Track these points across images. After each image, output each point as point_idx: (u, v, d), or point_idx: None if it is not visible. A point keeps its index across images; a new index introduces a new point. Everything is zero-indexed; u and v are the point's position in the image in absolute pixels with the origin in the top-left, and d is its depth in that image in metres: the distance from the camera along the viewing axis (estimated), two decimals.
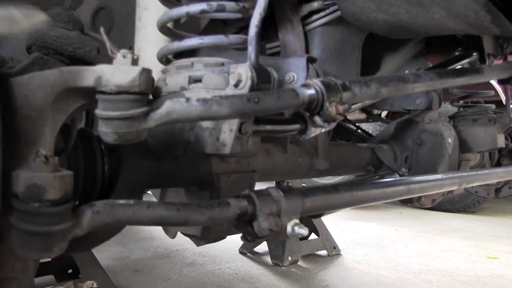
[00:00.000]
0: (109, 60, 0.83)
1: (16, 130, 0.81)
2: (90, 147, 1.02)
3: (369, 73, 1.80)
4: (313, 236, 3.15)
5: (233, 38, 1.09)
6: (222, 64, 1.09)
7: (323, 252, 3.14)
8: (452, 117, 1.80)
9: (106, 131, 0.80)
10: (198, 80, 1.06)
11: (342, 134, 2.10)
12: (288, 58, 1.35)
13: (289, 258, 2.78)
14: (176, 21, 1.33)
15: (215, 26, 1.51)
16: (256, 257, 2.97)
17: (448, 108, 2.16)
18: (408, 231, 4.01)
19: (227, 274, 2.58)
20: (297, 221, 1.00)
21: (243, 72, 1.00)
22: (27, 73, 0.84)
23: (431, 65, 1.82)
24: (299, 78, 1.34)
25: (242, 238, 1.01)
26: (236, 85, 1.01)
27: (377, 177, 1.47)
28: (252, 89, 1.00)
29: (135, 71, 0.79)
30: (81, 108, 0.88)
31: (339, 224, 4.08)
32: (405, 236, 3.81)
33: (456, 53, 1.77)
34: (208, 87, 1.05)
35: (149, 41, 1.26)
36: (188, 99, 0.84)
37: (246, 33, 1.07)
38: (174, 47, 1.10)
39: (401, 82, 1.12)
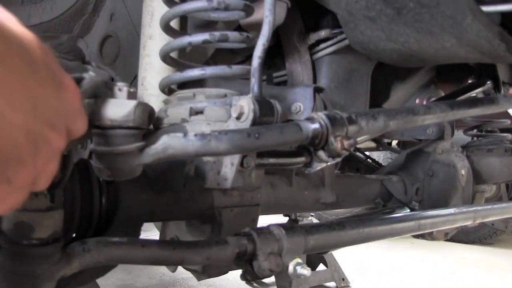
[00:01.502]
0: None
1: None
2: (87, 178, 1.00)
3: (379, 102, 1.77)
4: (321, 267, 3.08)
5: (236, 68, 1.07)
6: (225, 96, 1.06)
7: (332, 284, 3.07)
8: (466, 147, 1.76)
9: (99, 167, 0.78)
10: (199, 112, 1.04)
11: (351, 163, 2.07)
12: (295, 88, 1.33)
13: None
14: (182, 50, 1.31)
15: (222, 54, 1.49)
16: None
17: (461, 136, 2.11)
18: (421, 264, 3.88)
19: None
20: (299, 260, 0.97)
21: (245, 104, 0.98)
22: None
23: (442, 93, 1.78)
24: (306, 108, 1.31)
25: (242, 277, 0.98)
26: (238, 118, 0.99)
27: (386, 211, 1.43)
28: (254, 122, 0.98)
29: (129, 105, 0.77)
30: (77, 142, 0.86)
31: (347, 249, 3.98)
32: (418, 269, 3.70)
33: (469, 81, 1.74)
34: (209, 119, 1.02)
35: (153, 70, 1.24)
36: (185, 134, 0.81)
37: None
38: (176, 78, 1.08)
39: (410, 115, 1.09)
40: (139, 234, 1.04)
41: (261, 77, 1.02)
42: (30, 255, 0.70)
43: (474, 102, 1.22)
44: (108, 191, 1.02)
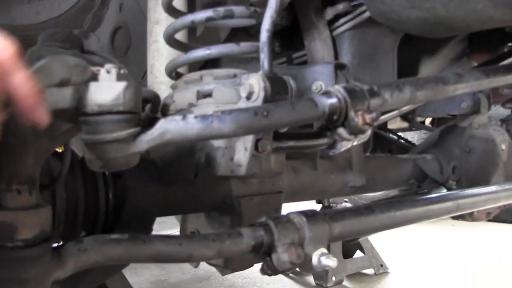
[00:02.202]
0: None
1: None
2: (91, 173, 0.91)
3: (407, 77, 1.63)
4: (358, 253, 2.94)
5: (244, 46, 0.96)
6: (235, 76, 0.96)
7: (370, 271, 2.92)
8: (505, 121, 1.60)
9: (90, 158, 0.69)
10: (208, 95, 0.94)
11: (382, 145, 1.93)
12: (314, 66, 1.21)
13: (333, 278, 2.57)
14: (192, 34, 1.22)
15: (237, 37, 1.39)
16: (298, 277, 2.78)
17: (499, 111, 1.94)
18: (464, 247, 3.65)
19: None
20: (324, 250, 0.85)
21: (255, 82, 0.87)
22: None
23: (475, 65, 1.63)
24: (327, 86, 1.19)
25: (261, 271, 0.87)
26: (248, 98, 0.88)
27: (421, 192, 1.30)
28: (266, 101, 0.87)
29: (118, 87, 0.67)
30: (69, 133, 0.77)
31: (384, 236, 3.80)
32: (461, 253, 3.48)
33: (506, 50, 1.58)
34: (218, 101, 0.92)
35: (162, 57, 1.15)
36: (184, 117, 0.71)
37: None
38: (181, 60, 0.98)
39: (440, 84, 0.96)
40: (150, 230, 0.95)
41: (270, 52, 0.91)
42: (15, 259, 0.61)
43: (510, 68, 1.08)
44: (115, 185, 0.93)
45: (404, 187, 1.38)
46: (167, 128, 0.70)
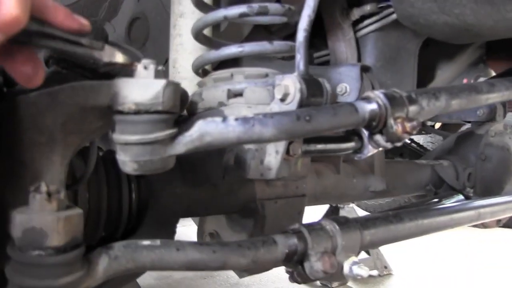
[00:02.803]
0: None
1: (22, 158, 0.64)
2: (114, 172, 0.85)
3: (423, 83, 1.57)
4: (363, 254, 2.87)
5: (278, 45, 0.90)
6: (266, 75, 0.89)
7: (374, 272, 2.84)
8: None
9: (124, 160, 0.62)
10: (238, 94, 0.87)
11: (394, 149, 1.86)
12: (339, 67, 1.15)
13: None
14: (216, 28, 1.15)
15: (258, 34, 1.32)
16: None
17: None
18: (469, 250, 3.54)
19: None
20: (355, 259, 0.80)
21: (291, 84, 0.81)
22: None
23: (492, 73, 1.57)
24: (352, 89, 1.13)
25: (291, 279, 0.81)
26: (282, 99, 0.82)
27: (439, 199, 1.25)
28: (301, 103, 0.80)
29: (158, 85, 0.61)
30: (99, 131, 0.70)
31: None
32: (467, 256, 3.38)
33: None
34: (250, 102, 0.85)
35: (185, 51, 1.08)
36: (224, 119, 0.65)
37: (293, 40, 0.88)
38: (211, 57, 0.91)
39: (473, 93, 0.90)
40: (174, 232, 0.89)
41: (307, 52, 0.85)
42: (45, 267, 0.55)
43: None
44: (139, 185, 0.87)
45: (421, 192, 1.33)
46: (207, 130, 0.64)
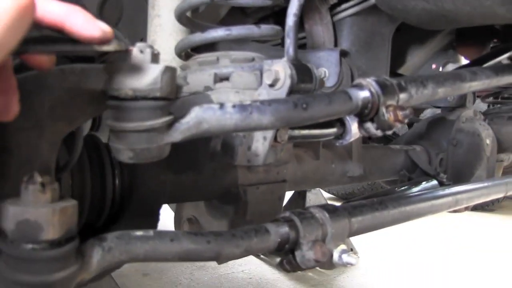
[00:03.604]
0: None
1: (6, 145, 0.60)
2: (98, 158, 0.82)
3: (393, 67, 1.59)
4: None
5: (265, 29, 0.88)
6: (253, 59, 0.88)
7: None
8: (485, 115, 1.59)
9: (119, 147, 0.60)
10: (225, 79, 0.85)
11: None
12: (318, 52, 1.14)
13: None
14: (194, 10, 1.11)
15: (233, 16, 1.29)
16: (270, 259, 2.72)
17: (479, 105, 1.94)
18: (429, 233, 3.60)
19: (241, 279, 2.35)
20: (344, 247, 0.80)
21: (281, 69, 0.79)
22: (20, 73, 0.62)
23: (460, 59, 1.60)
24: (331, 74, 1.13)
25: (279, 267, 0.81)
26: (272, 85, 0.81)
27: (415, 184, 1.27)
28: (291, 89, 0.79)
29: (156, 70, 0.58)
30: (87, 116, 0.67)
31: None
32: (427, 239, 3.46)
33: (491, 45, 1.56)
34: (237, 86, 0.84)
35: (164, 32, 1.04)
36: (222, 106, 0.63)
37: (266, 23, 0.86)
38: (197, 39, 0.88)
39: (458, 81, 0.92)
40: (158, 219, 0.87)
41: (296, 37, 0.83)
42: (39, 262, 0.52)
43: None
44: (122, 171, 0.84)
45: (395, 177, 1.35)
46: (204, 117, 0.62)
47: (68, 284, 0.55)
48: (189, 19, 0.97)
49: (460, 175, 1.33)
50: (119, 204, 0.84)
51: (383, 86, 0.77)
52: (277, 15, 1.38)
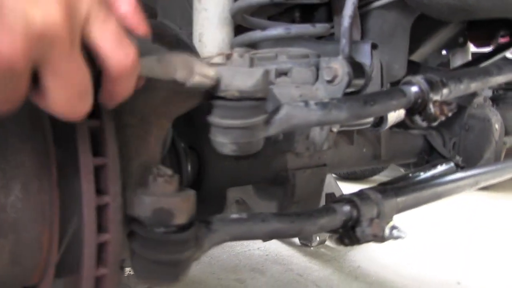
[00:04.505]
0: None
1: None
2: (173, 146, 0.89)
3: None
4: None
5: (319, 27, 0.97)
6: (307, 56, 0.96)
7: None
8: (494, 100, 1.71)
9: (223, 141, 0.68)
10: (283, 73, 0.94)
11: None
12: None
13: (317, 238, 2.61)
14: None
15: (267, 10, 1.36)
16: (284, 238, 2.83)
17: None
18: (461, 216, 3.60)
19: (258, 256, 2.47)
20: (393, 223, 0.91)
21: (339, 67, 0.89)
22: None
23: (470, 45, 1.71)
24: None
25: (338, 241, 0.91)
26: (330, 81, 0.89)
27: (432, 167, 1.38)
28: (348, 85, 0.88)
29: (257, 74, 0.67)
30: (184, 111, 0.75)
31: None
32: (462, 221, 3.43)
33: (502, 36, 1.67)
34: (296, 81, 0.92)
35: (212, 25, 1.11)
36: (306, 103, 0.72)
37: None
38: (257, 36, 0.97)
39: (487, 76, 1.02)
40: (225, 202, 0.96)
41: (351, 37, 0.92)
42: (172, 243, 0.61)
43: None
44: (192, 158, 0.92)
45: (415, 159, 1.46)
46: (293, 113, 0.71)
47: (190, 262, 0.65)
48: (243, 16, 1.05)
49: (470, 158, 1.45)
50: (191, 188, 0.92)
51: (430, 82, 0.87)
52: (303, 5, 1.46)
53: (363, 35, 1.38)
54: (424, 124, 0.90)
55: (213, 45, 1.12)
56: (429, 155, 1.45)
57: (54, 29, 0.41)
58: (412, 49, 1.70)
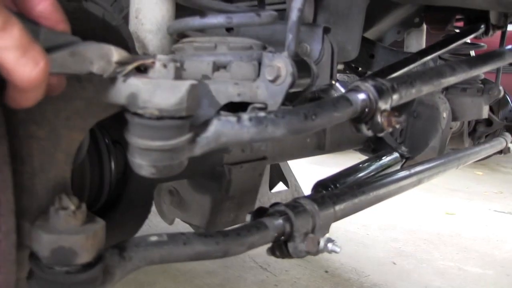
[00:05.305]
0: None
1: (18, 155, 0.59)
2: (94, 147, 0.80)
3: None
4: (281, 185, 2.95)
5: (265, 17, 0.86)
6: (250, 47, 0.87)
7: None
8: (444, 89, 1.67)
9: (141, 163, 0.60)
10: (222, 67, 0.84)
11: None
12: (301, 26, 1.13)
13: None
14: None
15: None
16: None
17: None
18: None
19: None
20: (329, 236, 0.86)
21: (283, 66, 0.80)
22: None
23: (425, 27, 1.64)
24: (313, 50, 1.13)
25: (269, 252, 0.86)
26: (272, 81, 0.81)
27: (377, 158, 1.33)
28: (291, 86, 0.80)
29: (182, 88, 0.58)
30: (98, 120, 0.66)
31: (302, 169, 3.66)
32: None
33: (456, 23, 1.61)
34: (235, 77, 0.83)
35: (151, 2, 0.99)
36: (239, 119, 0.64)
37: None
38: (195, 24, 0.86)
39: (440, 78, 0.96)
40: (152, 199, 0.88)
41: (298, 33, 0.83)
42: (73, 284, 0.53)
43: (486, 59, 1.12)
44: (117, 155, 0.84)
45: (361, 147, 1.41)
46: (223, 131, 0.63)
47: None
48: None
49: (416, 146, 1.42)
50: (115, 188, 0.84)
51: (379, 90, 0.80)
52: None
53: (316, 15, 1.29)
54: (369, 133, 0.83)
55: (151, 22, 1.00)
56: (375, 143, 1.41)
57: None
58: (366, 26, 1.63)
